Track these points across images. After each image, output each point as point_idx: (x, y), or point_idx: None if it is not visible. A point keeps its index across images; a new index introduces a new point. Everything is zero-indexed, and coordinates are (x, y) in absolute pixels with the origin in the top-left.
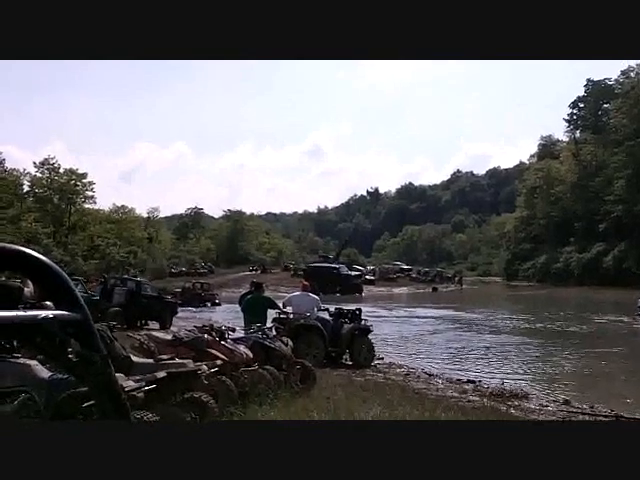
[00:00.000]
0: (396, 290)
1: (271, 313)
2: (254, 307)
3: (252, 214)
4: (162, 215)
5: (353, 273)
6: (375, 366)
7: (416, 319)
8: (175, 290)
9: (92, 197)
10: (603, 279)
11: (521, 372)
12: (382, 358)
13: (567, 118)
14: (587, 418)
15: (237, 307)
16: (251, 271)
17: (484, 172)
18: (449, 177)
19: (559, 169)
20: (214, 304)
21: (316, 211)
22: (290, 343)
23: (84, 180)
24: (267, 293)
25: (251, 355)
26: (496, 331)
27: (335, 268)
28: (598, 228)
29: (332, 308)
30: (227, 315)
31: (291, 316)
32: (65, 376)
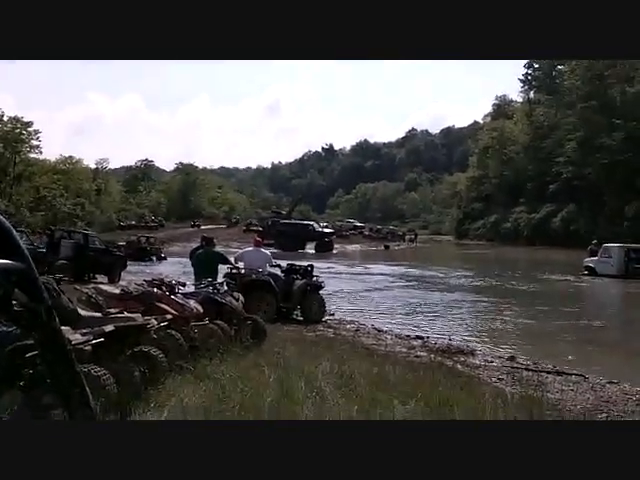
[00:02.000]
0: (349, 247)
1: (222, 268)
2: (205, 262)
3: (205, 168)
4: (112, 167)
5: (327, 230)
6: (326, 322)
7: (368, 276)
8: (119, 243)
9: (38, 147)
10: (552, 240)
11: (469, 329)
12: (333, 314)
13: (522, 78)
14: (530, 374)
15: (187, 261)
16: (194, 227)
17: (439, 131)
18: (404, 135)
19: (512, 129)
20: (160, 258)
21: (270, 167)
22: (241, 298)
23: (29, 129)
24: (218, 248)
25: (201, 310)
26: (446, 289)
27: (309, 225)
28: (548, 189)
29: (284, 264)
30: (177, 270)
31: (242, 272)
32: (10, 329)
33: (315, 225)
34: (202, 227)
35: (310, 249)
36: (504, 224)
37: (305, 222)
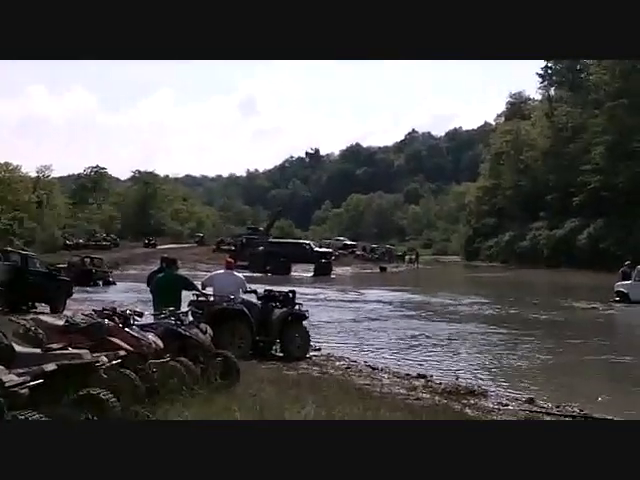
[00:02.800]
0: (338, 270)
1: (187, 295)
2: (166, 288)
3: (167, 177)
4: (56, 175)
5: (324, 250)
6: (310, 358)
7: (362, 303)
8: (59, 266)
9: None
10: (577, 261)
11: (481, 366)
12: (319, 349)
13: (540, 72)
14: (552, 419)
15: (144, 287)
16: (148, 246)
17: (443, 134)
18: (403, 138)
19: (530, 132)
20: (107, 283)
21: (245, 175)
22: (209, 331)
23: None
24: (182, 271)
25: (162, 345)
26: (454, 318)
27: (303, 244)
28: (572, 202)
29: (261, 289)
30: (132, 297)
31: (211, 299)
32: None
33: (311, 244)
34: (161, 246)
35: (298, 272)
36: (521, 242)
37: (299, 241)
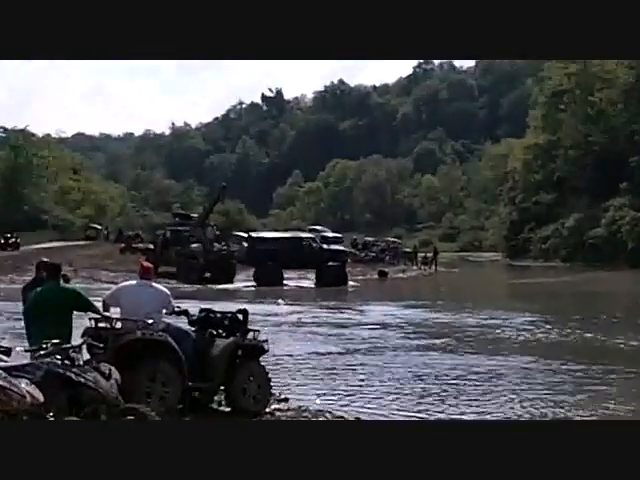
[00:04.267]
0: (315, 275)
1: (80, 319)
2: (46, 308)
3: (48, 137)
4: None
5: (334, 247)
6: (272, 414)
7: (355, 328)
8: None
9: None
10: None
11: (528, 416)
12: (286, 399)
13: None
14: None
15: (15, 309)
16: (5, 246)
17: (473, 64)
18: (411, 73)
19: (604, 62)
20: None
21: (169, 132)
22: (115, 374)
23: None
24: (74, 283)
25: (41, 397)
26: (495, 349)
27: (305, 239)
28: None
29: (194, 308)
30: None
31: (118, 325)
32: None
33: (313, 238)
34: (36, 245)
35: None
36: (592, 230)
37: (295, 234)
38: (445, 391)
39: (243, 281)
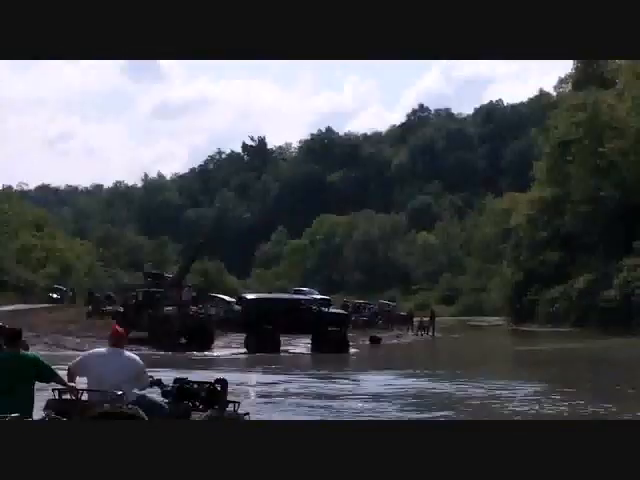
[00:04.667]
0: (302, 340)
1: (42, 391)
2: (5, 379)
3: (8, 189)
4: None
5: (334, 310)
6: None
7: (347, 399)
8: None
9: None
10: None
11: None
12: None
13: None
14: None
15: None
16: None
17: (472, 111)
18: (405, 119)
19: (615, 107)
20: None
21: (141, 184)
22: None
23: None
24: (35, 350)
25: None
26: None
27: (302, 301)
28: None
29: (168, 378)
30: None
31: (84, 396)
32: None
33: (311, 300)
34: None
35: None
36: (605, 292)
37: (292, 296)
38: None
39: (223, 348)
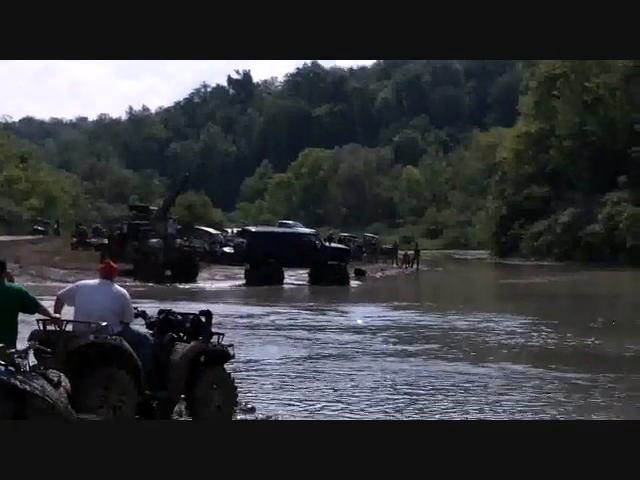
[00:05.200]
0: (286, 273)
1: (27, 321)
2: None
3: None
4: None
5: (336, 245)
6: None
7: (330, 331)
8: None
9: None
10: None
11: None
12: (253, 409)
13: None
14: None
15: None
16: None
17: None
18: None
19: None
20: None
21: (126, 117)
22: (65, 383)
23: None
24: (20, 280)
25: None
26: (478, 355)
27: (306, 234)
28: None
29: (152, 309)
30: None
31: (69, 327)
32: None
33: (314, 234)
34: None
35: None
36: (588, 226)
37: (297, 230)
38: (419, 399)
39: (222, 280)
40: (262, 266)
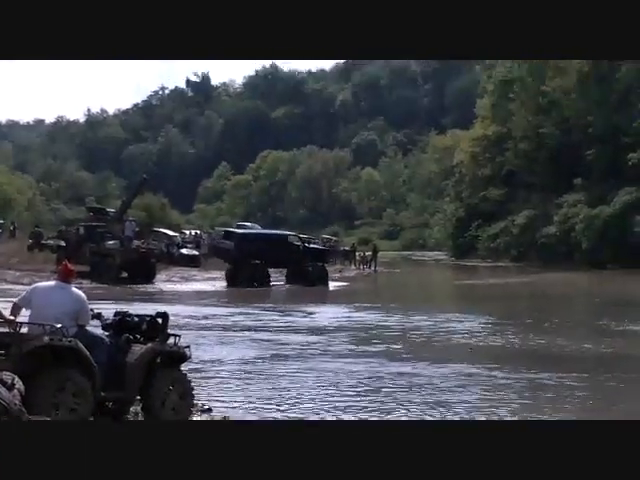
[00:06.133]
0: (287, 273)
1: None
2: None
3: None
4: None
5: (316, 246)
6: None
7: (286, 332)
8: None
9: None
10: (636, 256)
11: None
12: (209, 409)
13: None
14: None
15: None
16: None
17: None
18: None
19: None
20: None
21: (83, 119)
22: (19, 384)
23: None
24: None
25: None
26: (441, 355)
27: (289, 236)
28: (627, 160)
29: (108, 311)
30: None
31: (24, 329)
32: None
33: (297, 237)
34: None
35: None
36: (544, 228)
37: (281, 232)
38: (374, 395)
39: (203, 281)
40: (247, 267)
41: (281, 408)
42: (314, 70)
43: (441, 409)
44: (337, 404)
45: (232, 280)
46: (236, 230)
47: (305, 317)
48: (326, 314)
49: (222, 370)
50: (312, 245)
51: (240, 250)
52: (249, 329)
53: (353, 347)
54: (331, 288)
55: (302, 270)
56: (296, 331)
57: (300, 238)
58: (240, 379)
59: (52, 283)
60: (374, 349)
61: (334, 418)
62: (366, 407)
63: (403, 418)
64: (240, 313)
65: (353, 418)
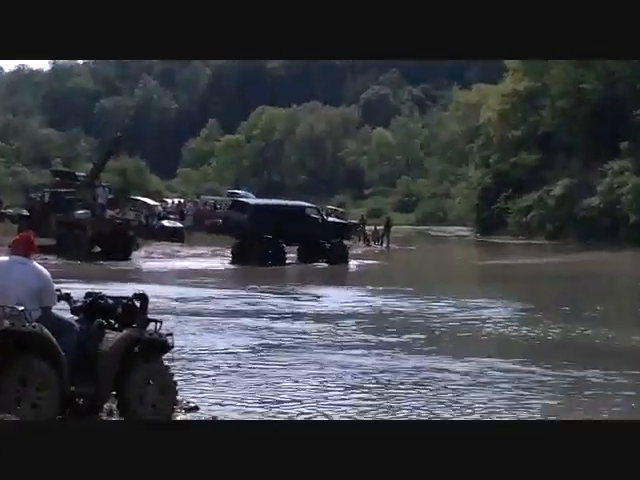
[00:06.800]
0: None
1: None
2: None
3: None
4: None
5: (338, 220)
6: None
7: (283, 320)
8: None
9: None
10: None
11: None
12: (196, 407)
13: None
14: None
15: None
16: None
17: None
18: None
19: None
20: None
21: (49, 69)
22: None
23: None
24: None
25: None
26: (457, 347)
27: (307, 208)
28: None
29: (78, 291)
30: None
31: None
32: None
33: (316, 209)
34: None
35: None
36: (585, 200)
37: (297, 203)
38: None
39: (211, 258)
40: (260, 243)
41: (273, 406)
42: None
43: (467, 410)
44: (336, 402)
45: (240, 257)
46: (248, 201)
47: (282, 298)
48: (305, 297)
49: (210, 362)
50: (332, 219)
51: (255, 223)
52: (244, 315)
53: (363, 336)
54: (352, 268)
55: (319, 247)
56: (285, 316)
57: (319, 210)
58: (230, 372)
59: (7, 258)
60: (390, 339)
61: (335, 418)
62: (367, 405)
63: (414, 418)
64: (236, 296)
65: (355, 418)
